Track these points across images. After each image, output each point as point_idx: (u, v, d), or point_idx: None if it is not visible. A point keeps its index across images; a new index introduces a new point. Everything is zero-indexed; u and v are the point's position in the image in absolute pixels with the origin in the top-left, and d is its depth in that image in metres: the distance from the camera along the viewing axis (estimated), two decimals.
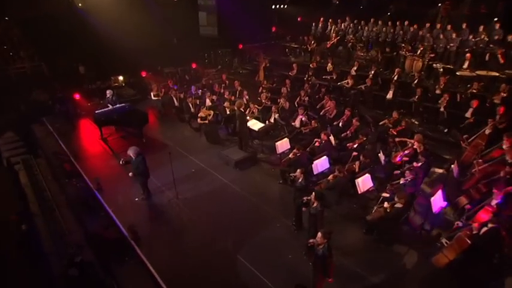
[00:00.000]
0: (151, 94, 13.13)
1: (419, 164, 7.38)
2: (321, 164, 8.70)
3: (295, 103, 11.26)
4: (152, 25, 15.70)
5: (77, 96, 13.85)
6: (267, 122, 10.69)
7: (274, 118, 10.84)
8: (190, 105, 12.42)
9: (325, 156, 8.81)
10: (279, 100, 11.56)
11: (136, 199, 8.33)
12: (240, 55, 18.49)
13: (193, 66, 16.71)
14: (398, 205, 6.57)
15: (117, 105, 11.62)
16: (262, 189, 8.43)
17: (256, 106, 11.48)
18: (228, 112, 11.14)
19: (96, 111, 11.42)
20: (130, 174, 8.00)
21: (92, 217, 7.98)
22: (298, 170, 7.30)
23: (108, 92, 12.02)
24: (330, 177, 7.75)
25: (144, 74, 15.74)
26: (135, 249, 6.90)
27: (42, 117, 12.86)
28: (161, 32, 16.18)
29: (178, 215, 7.69)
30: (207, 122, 11.26)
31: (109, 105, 11.68)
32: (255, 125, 10.50)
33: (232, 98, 12.12)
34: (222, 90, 12.85)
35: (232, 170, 9.20)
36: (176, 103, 12.71)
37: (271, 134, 10.62)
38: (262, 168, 9.41)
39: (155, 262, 6.54)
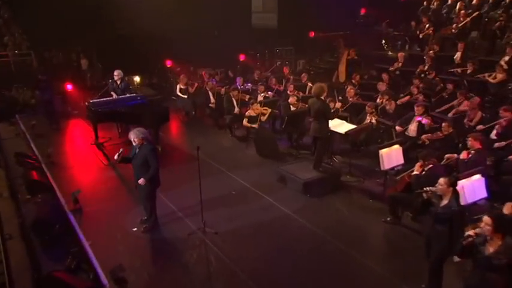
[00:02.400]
0: (178, 88, 13.02)
1: None
2: (471, 187, 6.36)
3: (399, 102, 10.71)
4: (185, 11, 16.13)
5: (69, 87, 13.81)
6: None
7: (371, 120, 9.62)
8: (234, 102, 11.51)
9: (479, 176, 6.45)
10: (379, 99, 10.77)
11: (135, 229, 7.26)
12: (308, 53, 17.93)
13: (241, 58, 16.59)
14: None
15: (125, 95, 11.14)
16: (353, 229, 7.22)
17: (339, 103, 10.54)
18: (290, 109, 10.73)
19: (92, 100, 10.91)
20: (140, 181, 6.90)
21: (57, 253, 6.67)
22: (442, 180, 4.99)
23: (116, 74, 11.19)
24: (507, 208, 5.56)
25: (169, 64, 16.04)
26: None
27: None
28: (197, 21, 16.51)
29: (203, 257, 6.55)
30: (257, 125, 10.47)
31: (113, 93, 11.23)
32: (340, 126, 9.12)
33: (300, 94, 11.45)
34: (282, 87, 12.45)
35: (299, 196, 8.30)
36: (212, 100, 12.39)
37: (362, 149, 10.11)
38: (350, 197, 8.38)
39: None
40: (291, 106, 10.72)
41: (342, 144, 9.99)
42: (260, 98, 11.41)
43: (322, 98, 8.28)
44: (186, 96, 12.82)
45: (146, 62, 16.44)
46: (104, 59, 16.10)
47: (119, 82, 11.25)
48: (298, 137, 10.35)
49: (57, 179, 8.94)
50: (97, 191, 8.60)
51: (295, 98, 10.71)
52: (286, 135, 10.68)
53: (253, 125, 10.49)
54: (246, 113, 10.57)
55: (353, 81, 12.42)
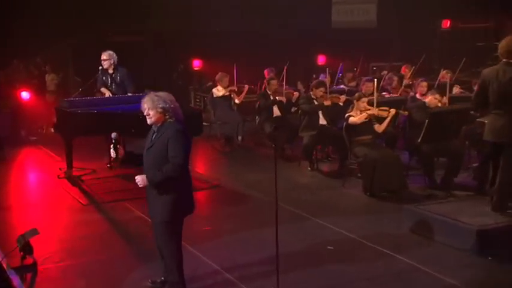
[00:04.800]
0: (215, 91, 13.60)
1: None
2: None
3: None
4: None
5: (25, 96, 14.59)
6: None
7: None
8: (317, 104, 11.61)
9: None
10: None
11: None
12: (432, 63, 17.71)
13: (321, 62, 17.58)
14: None
15: (125, 95, 11.44)
16: None
17: None
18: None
19: (67, 99, 11.45)
20: (138, 179, 6.42)
21: None
22: None
23: (106, 57, 11.31)
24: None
25: (199, 66, 17.38)
26: None
27: None
28: (244, 15, 17.49)
29: None
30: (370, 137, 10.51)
31: (104, 90, 11.57)
32: None
33: (444, 98, 11.12)
34: (409, 93, 12.64)
35: (467, 257, 7.77)
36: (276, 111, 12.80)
37: None
38: None
39: None
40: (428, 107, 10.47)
41: None
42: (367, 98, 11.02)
43: None
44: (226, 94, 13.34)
45: (156, 75, 17.36)
46: (83, 71, 16.29)
47: (111, 71, 11.39)
48: (452, 170, 9.82)
49: None
50: (70, 239, 8.53)
51: (437, 98, 10.40)
52: (423, 166, 10.29)
53: (370, 111, 10.07)
54: (348, 114, 10.33)
55: None
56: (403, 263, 7.43)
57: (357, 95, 10.54)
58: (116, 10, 16.59)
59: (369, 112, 10.09)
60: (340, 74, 14.90)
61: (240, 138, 13.14)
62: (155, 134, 6.23)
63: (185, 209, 6.43)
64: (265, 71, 14.33)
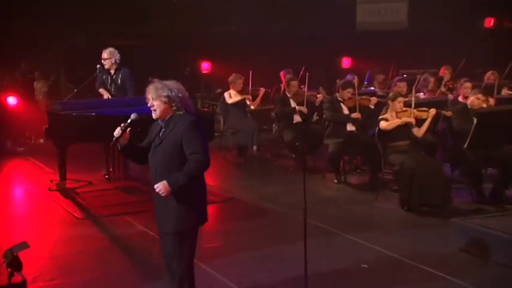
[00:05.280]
0: (226, 96, 13.65)
1: None
2: None
3: None
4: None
5: (12, 102, 14.89)
6: None
7: None
8: (345, 110, 11.59)
9: None
10: None
11: None
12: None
13: (345, 65, 18.24)
14: None
15: (128, 97, 11.51)
16: None
17: None
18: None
19: (61, 101, 11.84)
20: (160, 187, 6.19)
21: None
22: None
23: (107, 56, 11.41)
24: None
25: (207, 69, 17.90)
26: None
27: None
28: (258, 19, 17.85)
29: None
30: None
31: (103, 91, 11.63)
32: None
33: (490, 100, 10.89)
34: (450, 94, 12.77)
35: None
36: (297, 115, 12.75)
37: None
38: None
39: None
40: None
41: None
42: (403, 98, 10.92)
43: None
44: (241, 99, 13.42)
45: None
46: (76, 77, 16.40)
47: (113, 71, 11.44)
48: (503, 181, 9.70)
49: None
50: (64, 255, 8.42)
51: (480, 98, 10.16)
52: (469, 177, 10.13)
53: (407, 116, 9.95)
54: (381, 116, 10.22)
55: None
56: (454, 285, 7.18)
57: (392, 94, 10.40)
58: (114, 10, 16.78)
59: (404, 118, 9.99)
60: (367, 82, 15.05)
61: (255, 148, 13.10)
62: (163, 129, 5.97)
63: (201, 218, 6.23)
64: (281, 73, 14.33)
